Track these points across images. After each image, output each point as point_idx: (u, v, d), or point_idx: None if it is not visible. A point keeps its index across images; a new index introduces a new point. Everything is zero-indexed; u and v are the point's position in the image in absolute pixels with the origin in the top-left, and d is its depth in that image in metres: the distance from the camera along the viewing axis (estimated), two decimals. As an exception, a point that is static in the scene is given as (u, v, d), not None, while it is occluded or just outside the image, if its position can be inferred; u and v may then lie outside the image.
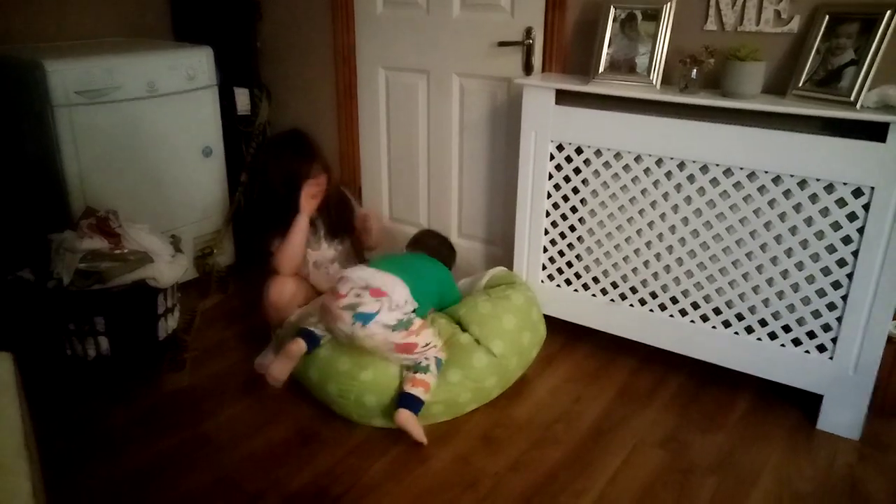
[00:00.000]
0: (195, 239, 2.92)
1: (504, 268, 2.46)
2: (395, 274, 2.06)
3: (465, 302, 2.22)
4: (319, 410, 2.10)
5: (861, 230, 1.83)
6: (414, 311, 2.03)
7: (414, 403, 1.94)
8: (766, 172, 1.92)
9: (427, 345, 2.01)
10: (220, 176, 2.97)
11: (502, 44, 2.49)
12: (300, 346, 2.05)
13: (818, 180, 1.86)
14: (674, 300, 2.17)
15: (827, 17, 1.89)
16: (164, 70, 2.66)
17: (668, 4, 2.06)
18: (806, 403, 2.10)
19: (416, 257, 2.36)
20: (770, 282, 2.01)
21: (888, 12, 1.77)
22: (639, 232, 2.18)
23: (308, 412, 2.10)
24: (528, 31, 2.44)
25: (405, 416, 1.92)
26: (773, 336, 2.05)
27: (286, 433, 2.01)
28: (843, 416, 1.98)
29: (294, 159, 2.36)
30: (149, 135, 2.66)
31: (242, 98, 3.08)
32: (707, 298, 2.11)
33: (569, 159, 2.25)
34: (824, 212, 1.88)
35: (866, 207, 1.81)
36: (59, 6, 2.84)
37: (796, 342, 2.01)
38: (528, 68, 2.48)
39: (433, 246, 2.48)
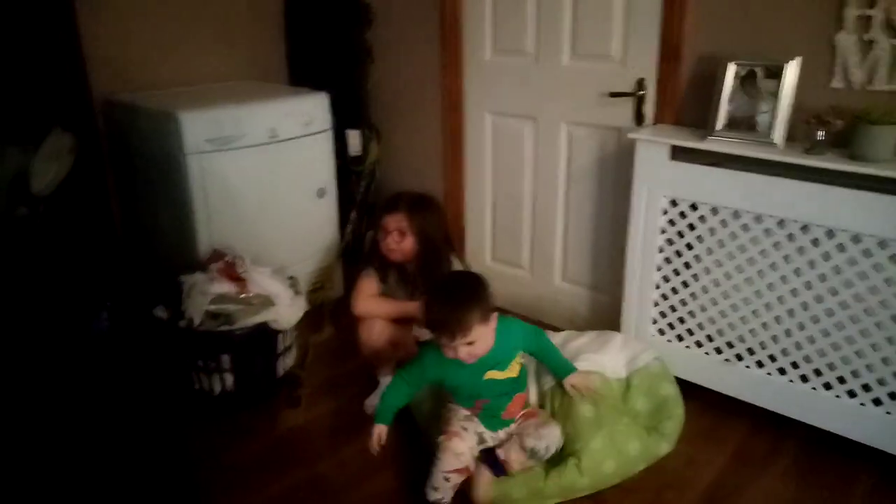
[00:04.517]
0: (307, 274, 3.05)
1: (660, 361, 2.19)
2: None
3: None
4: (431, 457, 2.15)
5: None
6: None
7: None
8: (900, 240, 1.84)
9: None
10: (333, 214, 3.09)
11: (613, 94, 2.49)
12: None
13: (958, 251, 1.77)
14: (794, 365, 2.11)
15: (970, 78, 1.80)
16: (283, 117, 2.79)
17: (792, 62, 2.02)
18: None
19: None
20: (901, 353, 1.92)
21: None
22: (757, 293, 2.13)
23: (420, 458, 2.14)
24: (640, 83, 2.43)
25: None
26: (903, 410, 1.96)
27: (399, 479, 2.07)
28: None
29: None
30: (268, 178, 2.80)
31: (354, 140, 3.20)
32: (831, 366, 2.04)
33: (683, 215, 2.23)
34: (964, 284, 1.79)
35: None
36: (182, 51, 3.02)
37: (930, 419, 1.92)
38: (639, 119, 2.47)
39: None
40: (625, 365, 2.16)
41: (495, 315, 1.87)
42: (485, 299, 1.84)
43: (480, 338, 1.81)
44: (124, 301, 2.52)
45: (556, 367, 2.09)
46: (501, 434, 1.98)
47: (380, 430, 1.93)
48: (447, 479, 1.87)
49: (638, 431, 2.02)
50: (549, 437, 1.90)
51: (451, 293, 1.83)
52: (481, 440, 1.97)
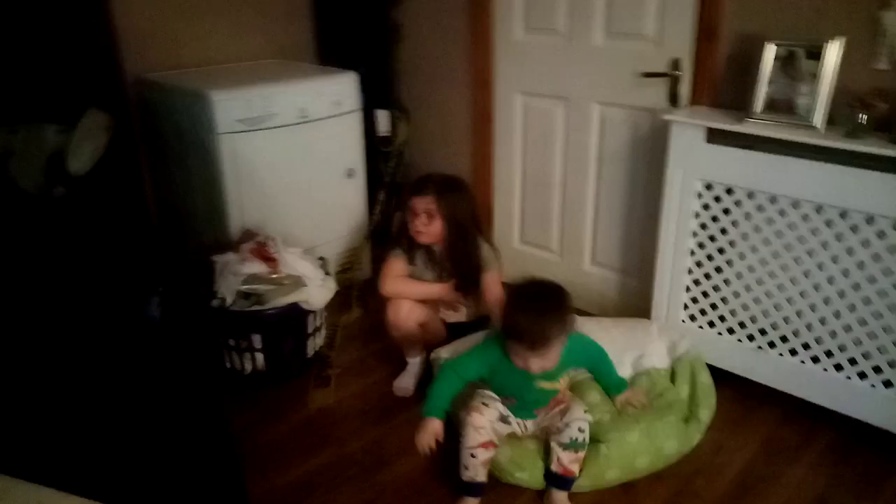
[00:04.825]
0: (336, 254, 3.07)
1: (695, 348, 2.23)
2: None
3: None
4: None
5: None
6: None
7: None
8: (944, 228, 1.79)
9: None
10: (361, 195, 3.09)
11: (647, 74, 2.44)
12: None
13: None
14: (829, 353, 2.07)
15: None
16: (314, 97, 2.79)
17: (834, 43, 1.95)
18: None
19: None
20: (941, 343, 1.88)
21: None
22: (793, 280, 2.09)
23: (451, 441, 2.14)
24: (676, 63, 2.38)
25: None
26: (941, 400, 1.92)
27: (430, 461, 2.05)
28: None
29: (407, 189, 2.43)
30: (297, 158, 2.80)
31: (383, 119, 3.19)
32: (866, 355, 2.00)
33: (718, 199, 2.19)
34: None
35: None
36: (212, 30, 3.02)
37: (969, 410, 1.88)
38: (673, 100, 2.42)
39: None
40: (667, 354, 2.15)
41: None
42: (569, 315, 1.81)
43: (555, 352, 1.79)
44: (173, 286, 2.55)
45: (609, 385, 2.06)
46: (529, 423, 1.98)
47: (435, 426, 1.85)
48: (474, 456, 1.87)
49: (677, 430, 1.99)
50: (577, 419, 1.87)
51: (539, 305, 1.78)
52: (503, 419, 1.96)
